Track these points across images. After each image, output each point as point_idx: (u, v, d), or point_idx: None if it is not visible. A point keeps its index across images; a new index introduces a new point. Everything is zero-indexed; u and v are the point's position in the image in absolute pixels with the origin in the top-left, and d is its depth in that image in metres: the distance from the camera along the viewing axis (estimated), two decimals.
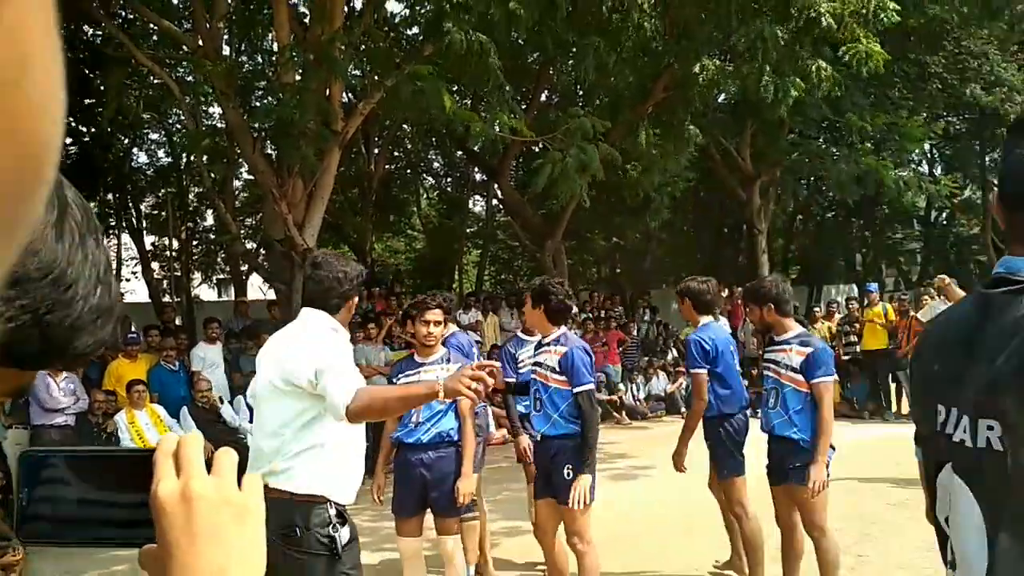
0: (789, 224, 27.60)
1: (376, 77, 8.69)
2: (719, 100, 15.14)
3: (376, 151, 19.08)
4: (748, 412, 4.81)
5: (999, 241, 23.68)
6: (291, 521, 2.73)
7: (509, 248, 25.79)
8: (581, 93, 14.20)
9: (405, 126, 18.50)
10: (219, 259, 22.35)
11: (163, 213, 19.19)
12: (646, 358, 15.18)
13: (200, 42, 9.00)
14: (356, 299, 3.03)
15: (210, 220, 21.27)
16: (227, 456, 0.77)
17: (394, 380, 4.30)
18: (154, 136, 19.22)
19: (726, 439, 4.60)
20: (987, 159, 22.83)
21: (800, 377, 4.15)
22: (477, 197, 25.55)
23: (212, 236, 21.36)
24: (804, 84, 8.14)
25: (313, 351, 2.80)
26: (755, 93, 8.53)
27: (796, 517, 4.29)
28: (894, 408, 12.39)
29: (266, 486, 2.72)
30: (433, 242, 25.56)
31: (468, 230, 25.16)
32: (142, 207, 19.92)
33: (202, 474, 0.74)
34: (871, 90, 15.33)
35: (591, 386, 4.01)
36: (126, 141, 18.17)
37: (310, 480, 2.78)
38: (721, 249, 26.27)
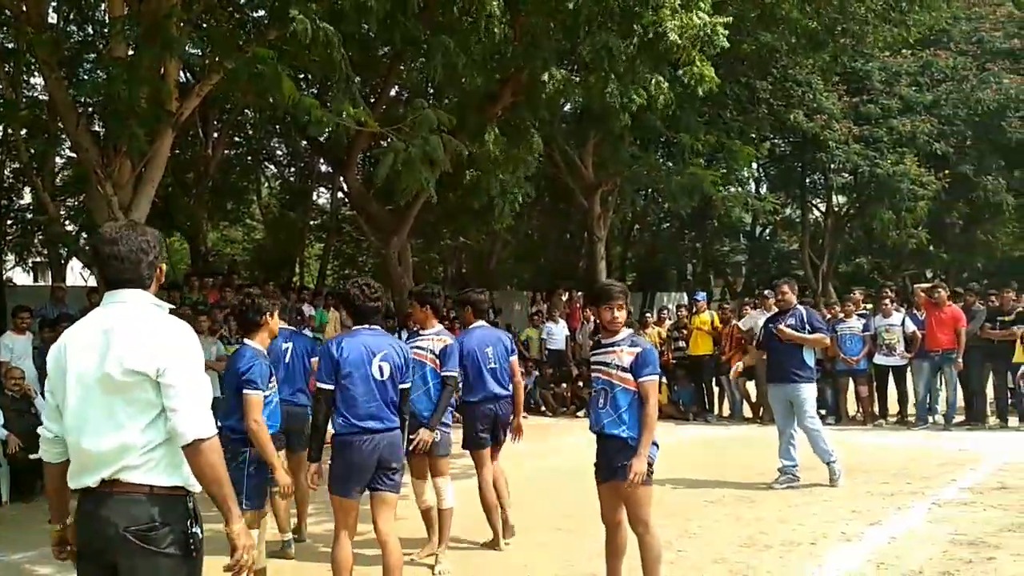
0: (627, 233, 28.66)
1: (216, 58, 8.30)
2: (565, 109, 15.51)
3: (215, 135, 18.27)
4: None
5: (815, 257, 25.57)
6: (149, 517, 2.51)
7: (354, 242, 25.35)
8: (431, 92, 14.17)
9: (247, 111, 17.83)
10: (36, 241, 20.70)
11: None
12: None
13: (24, 8, 8.29)
14: (164, 267, 2.81)
15: (27, 199, 19.69)
16: None
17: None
18: None
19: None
20: (807, 180, 24.55)
21: (630, 376, 4.31)
22: (322, 189, 24.98)
23: (29, 216, 19.76)
24: (647, 96, 8.45)
25: (156, 338, 2.57)
26: (599, 101, 8.77)
27: (621, 514, 4.44)
28: (716, 411, 13.10)
29: (118, 481, 2.49)
30: (274, 233, 24.75)
31: (311, 222, 24.55)
32: None
33: None
34: (705, 109, 16.17)
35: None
36: None
37: (171, 472, 2.56)
38: (563, 254, 26.93)
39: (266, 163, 23.98)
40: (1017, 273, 23.27)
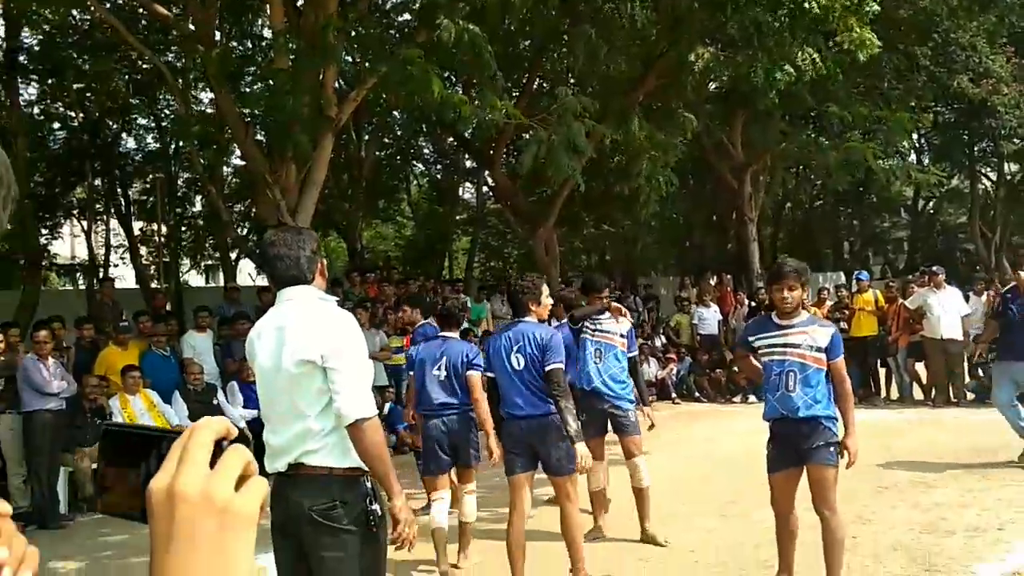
0: (778, 212, 27.70)
1: (368, 64, 8.65)
2: (711, 89, 15.17)
3: (367, 137, 19.02)
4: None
5: (986, 229, 23.88)
6: (331, 496, 2.72)
7: (499, 235, 25.77)
8: (573, 81, 14.21)
9: (395, 112, 18.45)
10: (207, 245, 22.25)
11: (151, 199, 19.08)
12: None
13: (192, 27, 8.94)
14: (324, 261, 3.01)
15: (198, 206, 21.17)
16: (235, 454, 0.69)
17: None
18: (143, 121, 19.08)
19: None
20: (975, 148, 22.95)
21: (823, 356, 4.22)
22: (467, 184, 25.51)
23: (201, 222, 21.26)
24: (795, 73, 8.16)
25: (320, 328, 2.78)
26: (747, 81, 8.55)
27: (794, 499, 4.34)
28: (883, 394, 12.50)
29: (303, 465, 2.69)
30: (423, 229, 25.53)
31: (458, 217, 25.13)
32: (130, 193, 19.80)
33: (195, 471, 0.67)
34: (860, 80, 15.39)
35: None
36: (115, 126, 18.05)
37: (347, 454, 2.76)
38: (711, 237, 26.35)
39: (414, 162, 24.73)
40: None
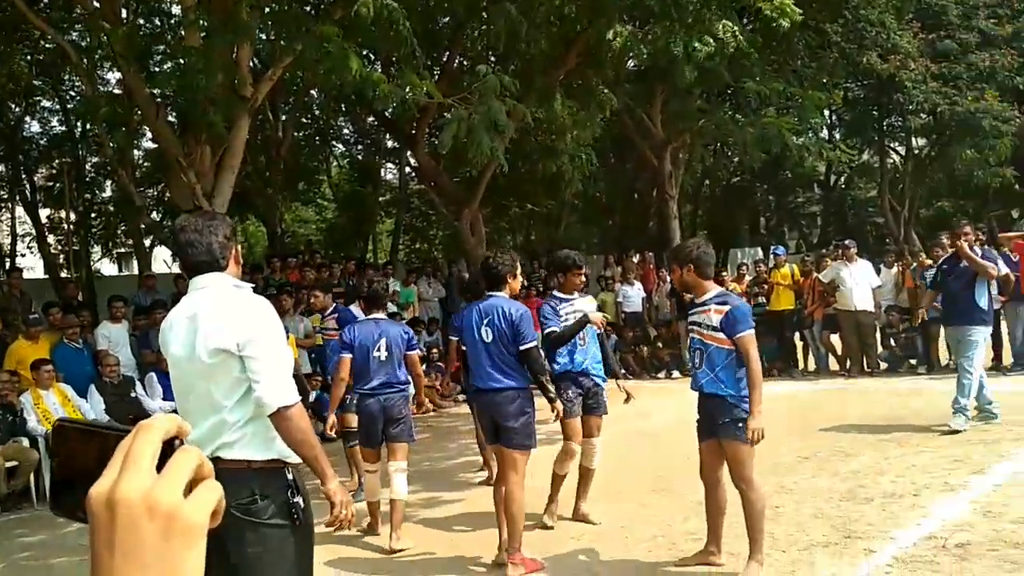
0: (697, 189, 28.16)
1: (283, 41, 8.40)
2: (630, 67, 15.26)
3: (284, 118, 18.56)
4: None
5: (895, 203, 24.75)
6: (250, 490, 2.63)
7: (424, 216, 25.56)
8: (494, 60, 14.10)
9: (313, 92, 18.04)
10: (119, 232, 21.47)
11: (58, 184, 18.30)
12: None
13: (96, 3, 8.52)
14: (238, 247, 2.91)
15: (109, 191, 20.39)
16: (185, 456, 0.65)
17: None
18: (47, 104, 18.22)
19: None
20: (884, 124, 23.69)
21: (722, 335, 4.28)
22: (390, 165, 25.20)
23: (112, 208, 20.49)
24: (714, 44, 8.23)
25: (235, 316, 2.68)
26: (665, 55, 8.59)
27: (721, 472, 4.43)
28: (800, 366, 12.87)
29: (220, 459, 2.53)
30: (345, 211, 25.14)
31: (381, 198, 24.81)
32: (36, 179, 18.96)
33: (138, 475, 0.62)
34: (774, 58, 15.68)
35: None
36: (17, 110, 17.20)
37: (266, 445, 2.68)
38: (633, 215, 26.66)
39: (334, 143, 24.29)
40: None
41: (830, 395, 10.50)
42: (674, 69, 9.48)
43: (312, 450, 2.68)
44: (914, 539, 4.69)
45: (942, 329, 10.12)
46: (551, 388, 4.93)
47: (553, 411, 5.02)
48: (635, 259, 17.82)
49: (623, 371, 14.47)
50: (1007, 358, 11.15)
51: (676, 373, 13.55)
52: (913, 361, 11.93)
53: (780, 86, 14.82)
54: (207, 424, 2.68)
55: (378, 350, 5.49)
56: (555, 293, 5.85)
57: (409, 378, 5.66)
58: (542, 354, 5.07)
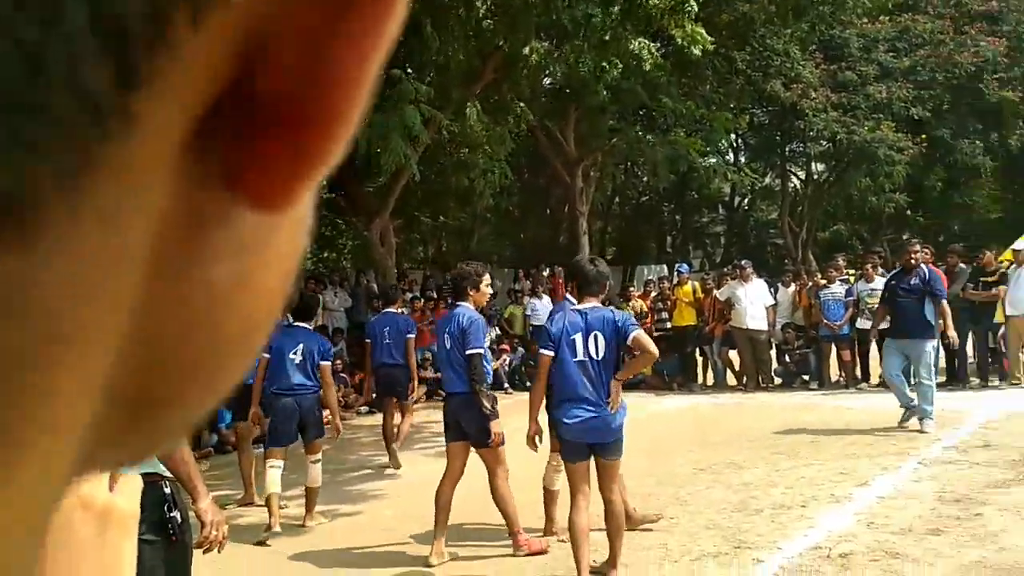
0: (607, 207, 28.68)
1: None
2: (545, 84, 15.46)
3: None
4: None
5: (794, 225, 25.74)
6: None
7: (332, 225, 25.19)
8: (410, 71, 14.09)
9: None
10: None
11: None
12: None
13: None
14: None
15: None
16: None
17: None
18: None
19: None
20: (786, 149, 24.64)
21: None
22: None
23: None
24: (625, 65, 8.43)
25: None
26: (578, 74, 8.77)
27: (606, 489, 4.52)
28: (700, 380, 13.22)
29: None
30: None
31: None
32: None
33: None
34: (684, 81, 16.15)
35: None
36: None
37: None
38: (545, 230, 26.93)
39: None
40: (995, 235, 23.53)
41: (727, 409, 10.80)
42: (585, 89, 9.69)
43: (186, 467, 2.64)
44: (800, 549, 4.86)
45: (872, 344, 10.77)
46: (485, 402, 5.01)
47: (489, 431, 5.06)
48: (545, 273, 18.02)
49: (528, 384, 14.61)
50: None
51: None
52: (806, 377, 12.41)
53: (693, 106, 15.27)
54: None
55: (294, 354, 5.95)
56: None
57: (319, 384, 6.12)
58: (487, 365, 5.19)
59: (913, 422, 8.31)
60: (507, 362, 14.92)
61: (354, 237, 22.74)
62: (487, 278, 5.33)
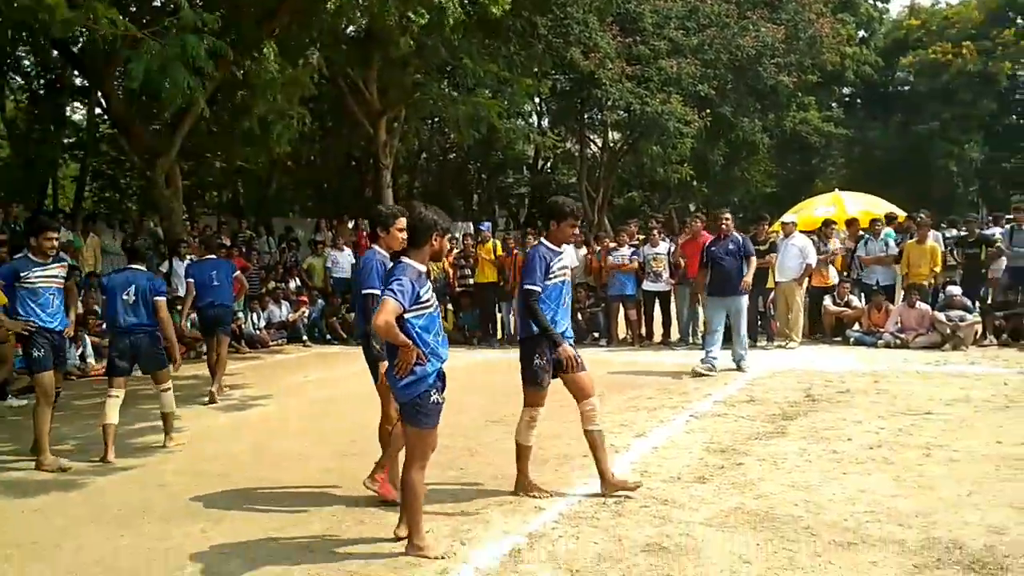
0: (413, 161, 28.46)
1: None
2: (348, 31, 14.97)
3: None
4: None
5: (591, 190, 26.74)
6: None
7: (116, 163, 23.31)
8: (201, 4, 13.14)
9: None
10: None
11: None
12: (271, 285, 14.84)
13: None
14: None
15: None
16: None
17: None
18: None
19: None
20: (585, 116, 25.45)
21: None
22: (77, 104, 22.66)
23: None
24: (428, 19, 8.28)
25: None
26: (381, 22, 8.52)
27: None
28: (499, 336, 13.50)
29: None
30: (21, 152, 22.18)
31: (66, 140, 22.26)
32: None
33: None
34: (488, 42, 16.19)
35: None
36: None
37: None
38: (349, 181, 26.33)
39: (12, 74, 21.36)
40: (769, 207, 25.62)
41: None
42: (390, 38, 9.45)
43: None
44: (580, 497, 5.09)
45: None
46: (375, 343, 4.92)
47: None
48: (349, 225, 17.65)
49: (328, 337, 14.33)
50: (674, 334, 12.53)
51: None
52: (596, 334, 12.99)
53: (495, 68, 15.34)
54: None
55: (127, 294, 6.49)
56: (544, 242, 5.17)
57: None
58: (373, 304, 4.65)
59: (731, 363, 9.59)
60: (306, 314, 14.53)
61: (140, 177, 21.18)
62: (401, 221, 4.90)
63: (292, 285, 15.27)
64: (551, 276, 5.02)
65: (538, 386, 5.22)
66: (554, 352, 5.07)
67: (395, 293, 4.01)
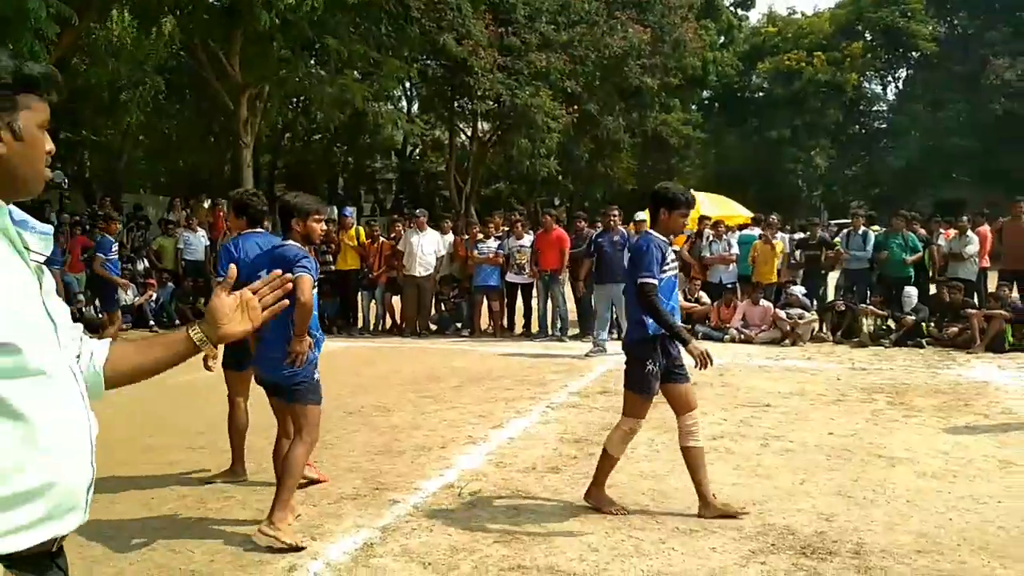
0: (276, 141, 27.60)
1: None
2: (209, 1, 14.30)
3: None
4: None
5: (460, 180, 26.74)
6: None
7: None
8: None
9: None
10: None
11: None
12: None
13: None
14: None
15: None
16: None
17: None
18: None
19: None
20: (456, 104, 25.40)
21: None
22: None
23: None
24: None
25: None
26: None
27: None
28: (359, 324, 13.30)
29: None
30: None
31: None
32: None
33: None
34: (359, 21, 15.88)
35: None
36: None
37: None
38: (207, 158, 25.24)
39: None
40: (630, 204, 26.38)
41: (383, 353, 11.00)
42: (253, 12, 9.10)
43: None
44: (435, 488, 5.09)
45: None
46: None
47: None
48: (205, 204, 16.92)
49: (178, 322, 13.70)
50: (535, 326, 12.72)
51: None
52: (459, 324, 13.02)
53: (362, 49, 15.05)
54: None
55: None
56: (654, 232, 4.73)
57: None
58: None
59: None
60: (154, 298, 13.84)
61: None
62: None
63: (140, 267, 14.50)
64: (665, 268, 4.63)
65: (647, 395, 4.71)
66: (680, 350, 4.66)
67: (308, 270, 4.26)
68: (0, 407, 1.38)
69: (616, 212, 11.16)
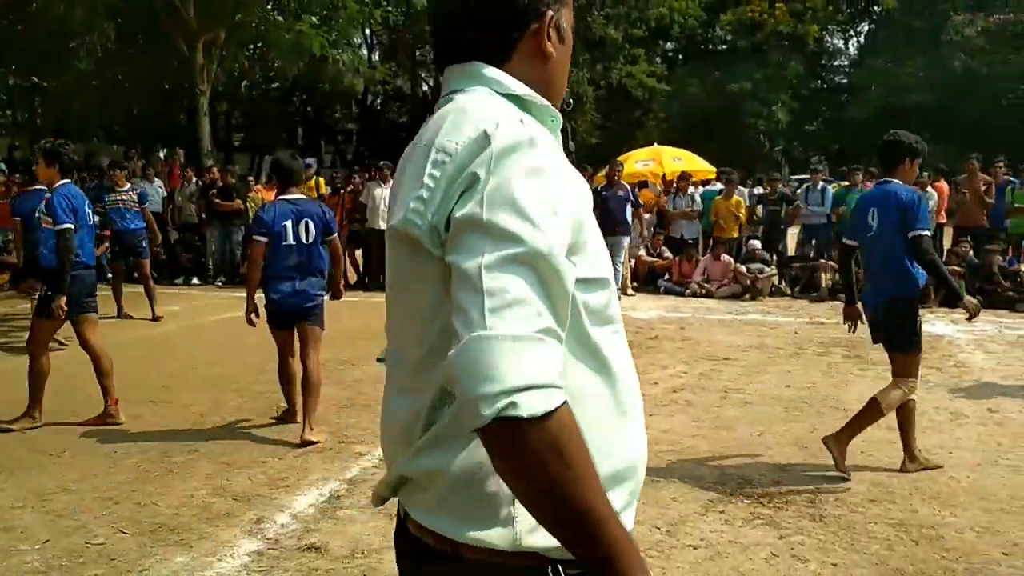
0: (234, 90, 26.98)
1: None
2: None
3: None
4: None
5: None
6: None
7: None
8: None
9: None
10: None
11: None
12: None
13: None
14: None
15: None
16: None
17: None
18: None
19: None
20: (417, 52, 25.01)
21: None
22: None
23: None
24: None
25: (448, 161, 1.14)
26: None
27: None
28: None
29: (408, 515, 1.17)
30: None
31: None
32: None
33: None
34: None
35: None
36: None
37: (482, 507, 1.11)
38: (162, 106, 24.63)
39: None
40: (594, 158, 26.34)
41: (350, 307, 10.92)
42: None
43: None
44: None
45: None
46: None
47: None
48: (161, 154, 16.56)
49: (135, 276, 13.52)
50: None
51: (195, 279, 13.02)
52: None
53: None
54: (399, 404, 1.24)
55: None
56: (900, 183, 4.56)
57: None
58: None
59: None
60: (109, 250, 13.55)
61: None
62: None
63: (97, 218, 14.16)
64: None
65: (919, 350, 4.52)
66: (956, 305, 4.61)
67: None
68: (602, 367, 1.12)
69: (620, 167, 11.82)
